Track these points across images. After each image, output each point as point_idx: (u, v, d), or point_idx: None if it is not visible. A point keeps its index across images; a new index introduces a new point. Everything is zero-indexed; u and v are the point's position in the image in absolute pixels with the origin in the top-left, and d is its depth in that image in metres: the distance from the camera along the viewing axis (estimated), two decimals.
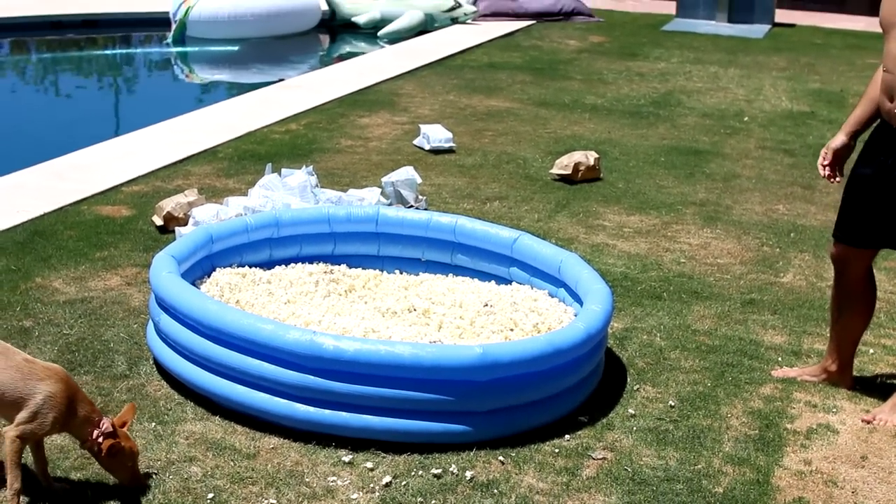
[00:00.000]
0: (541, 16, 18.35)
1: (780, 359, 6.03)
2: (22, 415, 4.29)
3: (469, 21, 17.61)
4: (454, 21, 17.44)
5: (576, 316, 5.63)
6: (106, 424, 4.36)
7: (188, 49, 16.17)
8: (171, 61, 16.52)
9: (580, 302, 5.74)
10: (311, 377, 4.90)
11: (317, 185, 7.67)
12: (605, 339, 5.60)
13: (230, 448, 4.84)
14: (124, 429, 4.44)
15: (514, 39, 16.53)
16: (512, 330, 5.71)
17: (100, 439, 4.35)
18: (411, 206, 7.82)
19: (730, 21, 18.36)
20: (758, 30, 17.94)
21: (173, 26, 16.16)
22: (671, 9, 19.21)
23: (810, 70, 14.80)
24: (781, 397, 5.61)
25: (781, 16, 18.84)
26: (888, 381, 5.86)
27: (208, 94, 14.13)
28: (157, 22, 17.13)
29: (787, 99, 12.83)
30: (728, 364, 5.95)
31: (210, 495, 4.48)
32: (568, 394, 5.26)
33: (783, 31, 18.17)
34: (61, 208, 7.90)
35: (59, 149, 9.42)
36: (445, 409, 4.91)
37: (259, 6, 16.43)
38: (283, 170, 7.74)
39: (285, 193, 7.42)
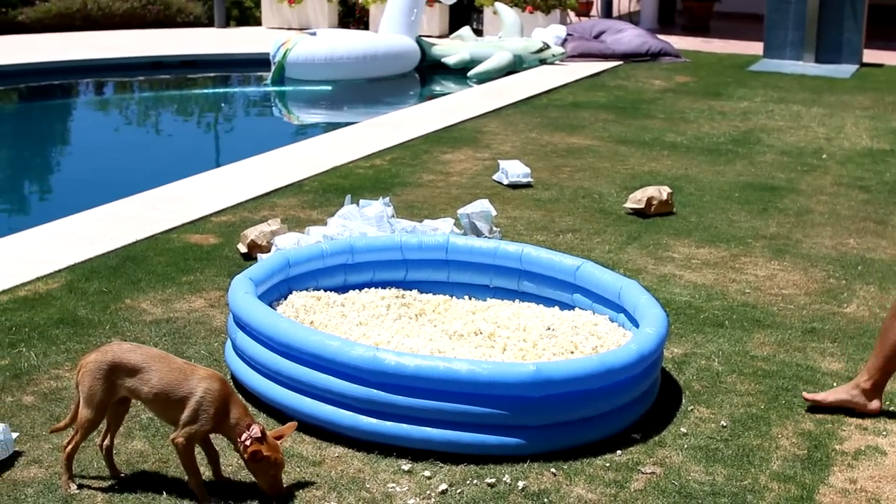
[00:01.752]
0: (628, 57, 18.58)
1: (835, 384, 6.19)
2: (185, 415, 4.68)
3: (557, 62, 17.90)
4: (542, 62, 17.73)
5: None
6: (256, 430, 4.69)
7: (284, 89, 16.65)
8: (267, 100, 17.03)
9: (638, 326, 5.96)
10: (375, 391, 5.20)
11: (393, 216, 7.99)
12: (658, 360, 5.82)
13: (297, 456, 5.14)
14: (279, 441, 4.77)
15: (600, 79, 16.79)
16: (572, 353, 5.96)
17: (247, 442, 4.68)
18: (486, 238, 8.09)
19: (817, 61, 18.42)
20: (845, 70, 17.99)
21: (272, 68, 16.66)
22: (759, 49, 19.32)
23: (894, 109, 14.84)
24: (833, 420, 5.78)
25: (869, 56, 18.86)
26: None
27: (300, 132, 14.58)
28: (253, 62, 17.69)
29: (867, 137, 12.93)
30: (783, 388, 6.13)
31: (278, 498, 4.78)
32: (620, 412, 5.49)
33: (871, 70, 18.20)
34: (153, 236, 8.31)
35: (155, 181, 9.86)
36: (500, 422, 5.18)
37: (355, 49, 16.86)
38: (361, 201, 8.07)
39: (362, 223, 7.75)
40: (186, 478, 4.81)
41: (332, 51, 16.68)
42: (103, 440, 4.91)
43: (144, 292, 7.18)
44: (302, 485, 4.91)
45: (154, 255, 7.90)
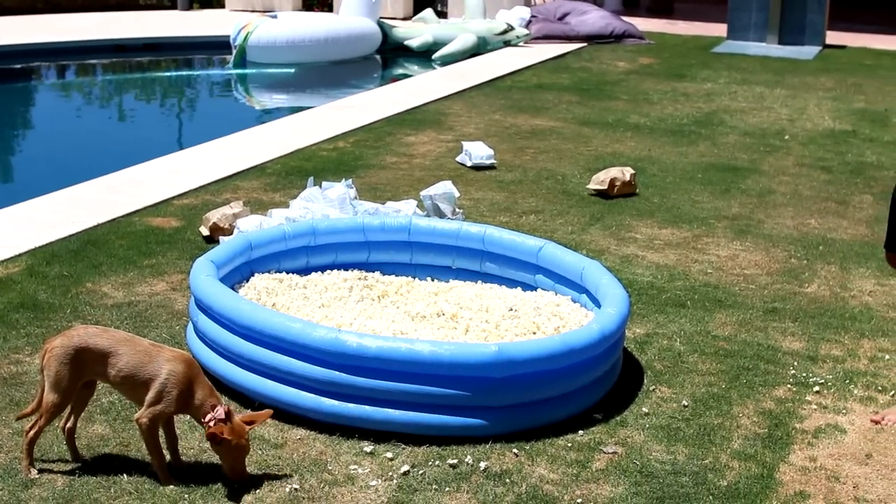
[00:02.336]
0: (592, 38, 18.60)
1: (795, 363, 6.23)
2: (149, 395, 4.67)
3: (521, 44, 17.90)
4: (506, 44, 17.73)
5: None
6: (220, 411, 4.68)
7: (246, 71, 16.58)
8: (229, 83, 16.95)
9: (600, 307, 5.97)
10: (337, 373, 5.19)
11: (355, 198, 7.98)
12: (620, 340, 5.84)
13: (259, 438, 5.13)
14: (250, 427, 4.74)
15: (564, 61, 16.80)
16: (535, 333, 5.97)
17: (210, 423, 4.66)
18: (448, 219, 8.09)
19: (780, 43, 18.51)
20: (808, 51, 18.07)
21: (234, 51, 16.58)
22: (723, 31, 19.38)
23: (857, 90, 14.93)
24: (794, 399, 5.82)
25: (832, 37, 18.96)
26: None
27: (263, 115, 14.51)
28: (216, 45, 17.60)
29: (829, 118, 12.99)
30: (744, 368, 6.16)
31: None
32: (582, 392, 5.50)
33: (833, 52, 18.29)
34: (114, 219, 8.27)
35: (117, 164, 9.80)
36: (463, 403, 5.18)
37: (316, 32, 16.80)
38: (324, 183, 8.05)
39: (325, 205, 7.73)
40: (149, 459, 4.79)
41: (294, 33, 16.62)
42: (66, 423, 4.89)
43: (106, 276, 7.14)
44: (264, 467, 4.90)
45: (115, 238, 7.86)
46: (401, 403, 5.17)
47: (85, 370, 4.73)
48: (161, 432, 4.80)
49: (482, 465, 4.99)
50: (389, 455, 5.04)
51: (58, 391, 4.70)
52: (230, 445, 4.69)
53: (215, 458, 4.90)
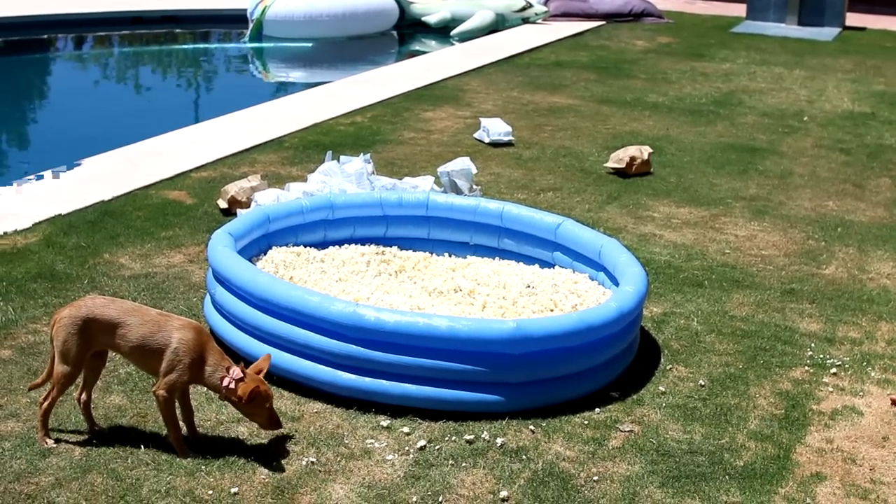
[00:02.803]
0: (611, 16, 18.54)
1: (813, 345, 6.22)
2: (163, 366, 4.68)
3: (540, 21, 17.84)
4: (525, 21, 17.67)
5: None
6: (236, 371, 4.71)
7: (263, 45, 16.55)
8: (247, 57, 16.92)
9: (618, 285, 5.96)
10: (354, 346, 5.19)
11: (373, 173, 7.97)
12: (638, 319, 5.82)
13: (276, 410, 5.12)
14: (260, 375, 4.76)
15: (583, 39, 16.74)
16: (552, 310, 5.96)
17: (231, 385, 4.68)
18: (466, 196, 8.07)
19: (800, 24, 18.42)
20: (827, 33, 17.98)
21: (250, 25, 16.53)
22: (742, 11, 19.30)
23: (876, 73, 14.86)
24: (811, 380, 5.80)
25: (852, 19, 18.86)
26: None
27: (280, 89, 14.50)
28: (235, 18, 17.55)
29: (848, 100, 12.93)
30: (761, 348, 6.14)
31: (255, 453, 4.77)
32: (599, 370, 5.49)
33: (853, 34, 18.20)
34: (132, 191, 8.27)
35: (135, 137, 9.80)
36: (480, 379, 5.17)
37: (334, 7, 16.74)
38: (342, 157, 8.03)
39: (342, 179, 7.72)
40: (165, 432, 4.80)
41: (311, 8, 16.56)
42: (80, 394, 4.90)
43: (123, 247, 7.14)
44: (281, 440, 4.91)
45: (133, 210, 7.86)
46: (418, 378, 5.17)
47: (93, 341, 4.74)
48: (177, 405, 4.81)
49: (499, 441, 4.99)
50: (406, 430, 5.04)
51: (67, 361, 4.72)
52: (262, 397, 4.70)
53: (231, 431, 4.92)
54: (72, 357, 4.71)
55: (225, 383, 4.69)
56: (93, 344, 4.74)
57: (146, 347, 4.69)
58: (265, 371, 4.81)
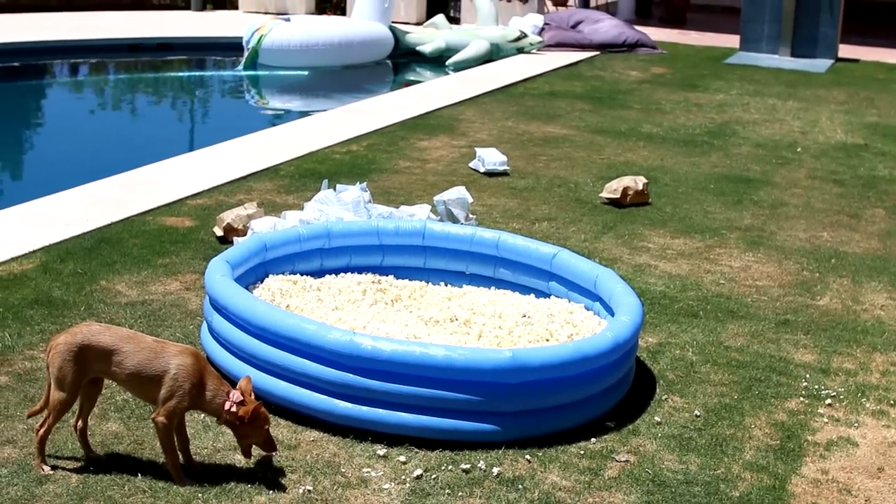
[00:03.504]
0: (605, 47, 18.60)
1: (807, 375, 6.24)
2: (162, 393, 4.69)
3: (534, 51, 17.91)
4: (520, 51, 17.74)
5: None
6: (236, 395, 4.74)
7: (259, 73, 16.59)
8: (242, 85, 16.96)
9: (614, 315, 5.98)
10: (351, 375, 5.20)
11: (370, 201, 7.99)
12: (633, 349, 5.84)
13: (273, 437, 5.14)
14: (250, 397, 4.79)
15: (577, 69, 16.81)
16: (548, 340, 5.98)
17: (233, 409, 4.71)
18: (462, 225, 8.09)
19: (793, 55, 18.50)
20: (820, 64, 18.07)
21: (246, 53, 16.56)
22: (735, 42, 19.38)
23: (869, 104, 14.93)
24: (806, 411, 5.82)
25: (845, 51, 18.94)
26: None
27: (275, 117, 14.54)
28: (230, 46, 17.61)
29: (842, 131, 13.00)
30: (756, 379, 6.16)
31: (252, 481, 4.78)
32: (595, 399, 5.51)
33: (846, 65, 18.28)
34: (128, 218, 8.28)
35: (131, 163, 9.82)
36: (476, 408, 5.19)
37: (330, 36, 16.79)
38: (338, 186, 8.06)
39: (339, 208, 7.74)
40: (162, 459, 4.80)
41: (308, 37, 16.61)
42: (77, 421, 4.90)
43: (120, 274, 7.15)
44: (277, 468, 4.91)
45: (129, 237, 7.87)
46: (414, 407, 5.18)
47: (89, 368, 4.75)
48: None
49: (495, 470, 5.00)
50: (402, 459, 5.05)
51: (63, 388, 4.72)
52: (261, 419, 4.74)
53: (227, 459, 4.92)
54: (68, 384, 4.71)
55: (227, 407, 4.70)
56: (88, 371, 4.75)
57: (143, 374, 4.70)
58: (250, 393, 4.83)
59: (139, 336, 4.84)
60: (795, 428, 5.63)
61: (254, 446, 4.85)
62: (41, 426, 4.79)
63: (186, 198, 8.90)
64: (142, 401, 5.11)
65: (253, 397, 4.80)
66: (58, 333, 4.97)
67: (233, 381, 5.39)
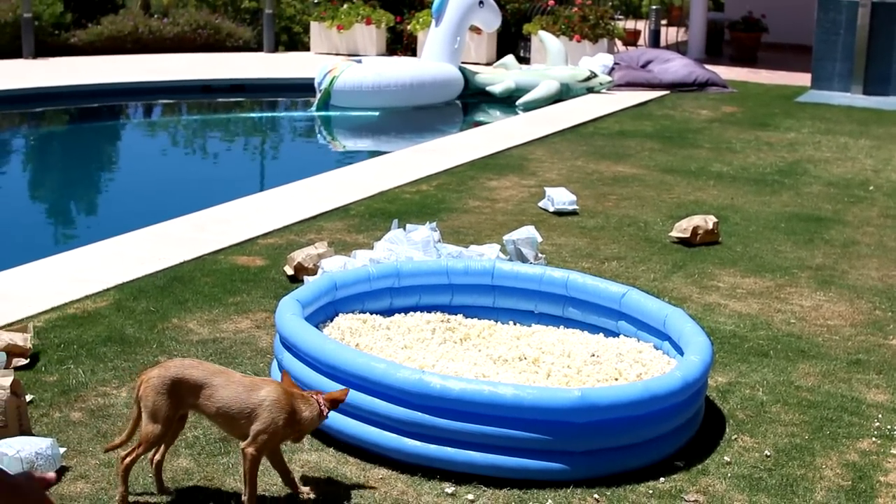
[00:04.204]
0: (675, 86, 18.60)
1: (880, 416, 6.17)
2: (255, 426, 4.75)
3: (604, 90, 17.93)
4: (590, 90, 17.77)
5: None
6: (320, 397, 4.89)
7: (330, 114, 16.74)
8: (313, 126, 17.14)
9: (683, 354, 5.96)
10: (420, 413, 5.22)
11: (439, 241, 8.03)
12: (703, 388, 5.82)
13: (342, 476, 5.18)
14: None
15: (647, 108, 16.81)
16: (616, 379, 5.97)
17: (325, 410, 4.89)
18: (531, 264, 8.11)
19: (865, 93, 18.39)
20: (893, 102, 17.93)
21: (318, 94, 16.72)
22: (806, 80, 19.29)
23: None
24: (878, 451, 5.76)
25: None
26: None
27: (345, 158, 14.66)
28: (301, 87, 17.80)
29: None
30: (827, 419, 6.11)
31: None
32: (664, 439, 5.49)
33: None
34: (200, 257, 8.39)
35: (204, 203, 9.96)
36: (544, 447, 5.19)
37: (401, 77, 16.92)
38: (408, 225, 8.11)
39: (409, 247, 7.78)
40: (242, 491, 4.83)
41: (380, 78, 16.75)
42: (155, 455, 4.96)
43: (191, 312, 7.24)
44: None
45: (201, 275, 7.97)
46: (483, 446, 5.19)
47: (182, 402, 4.81)
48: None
49: None
50: (471, 497, 5.06)
51: (156, 420, 4.77)
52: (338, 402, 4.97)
53: (301, 494, 4.95)
54: (162, 417, 4.76)
55: (324, 412, 4.88)
56: (181, 405, 4.81)
57: (233, 409, 4.75)
58: (340, 402, 4.99)
59: (229, 371, 4.92)
60: (867, 468, 5.57)
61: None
62: (127, 455, 4.83)
63: (258, 237, 9.00)
64: (217, 437, 5.17)
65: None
66: (149, 368, 5.04)
67: None
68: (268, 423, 4.73)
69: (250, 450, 4.73)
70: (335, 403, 4.91)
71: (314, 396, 4.87)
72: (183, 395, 4.79)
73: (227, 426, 4.86)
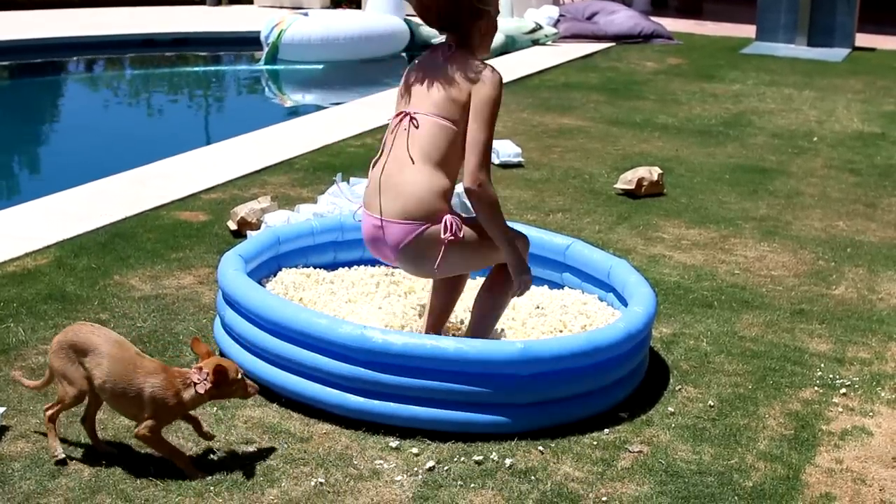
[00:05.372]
0: (620, 38, 18.58)
1: (822, 365, 6.21)
2: (142, 413, 4.68)
3: (549, 43, 17.88)
4: (535, 43, 17.72)
5: None
6: (198, 373, 4.71)
7: (276, 68, 16.58)
8: (257, 79, 16.98)
9: (627, 305, 5.96)
10: (362, 369, 5.19)
11: None
12: (647, 339, 5.82)
13: (285, 432, 5.15)
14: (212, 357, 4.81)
15: (592, 61, 16.78)
16: (561, 331, 5.97)
17: (197, 379, 4.69)
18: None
19: (809, 45, 18.45)
20: (837, 53, 18.01)
21: (265, 49, 16.54)
22: (751, 32, 19.33)
23: (886, 93, 14.87)
24: (820, 400, 5.80)
25: (862, 40, 18.87)
26: None
27: (290, 111, 14.55)
28: (246, 41, 17.64)
29: (858, 120, 12.95)
30: (771, 369, 6.14)
31: (264, 473, 4.78)
32: (608, 390, 5.49)
33: (863, 55, 18.21)
34: (142, 213, 8.30)
35: (145, 158, 9.84)
36: (488, 401, 5.18)
37: (350, 29, 16.79)
38: (352, 179, 8.06)
39: (353, 201, 7.73)
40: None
41: (328, 31, 16.60)
42: (85, 413, 4.91)
43: (133, 269, 7.17)
44: (289, 460, 4.91)
45: (143, 231, 7.89)
46: (426, 400, 5.17)
47: (82, 364, 4.74)
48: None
49: (507, 462, 4.99)
50: (415, 451, 5.05)
51: (66, 381, 4.77)
52: (230, 370, 4.75)
53: (239, 450, 4.92)
54: (69, 378, 4.76)
55: (196, 380, 4.70)
56: (83, 367, 4.75)
57: (117, 385, 4.69)
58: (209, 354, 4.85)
59: (126, 345, 4.81)
60: (810, 417, 5.61)
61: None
62: (49, 407, 4.85)
63: (200, 192, 8.91)
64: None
65: (211, 358, 4.80)
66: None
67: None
68: (152, 410, 4.66)
69: (143, 432, 4.69)
70: (220, 376, 4.71)
71: (191, 375, 4.72)
72: (77, 359, 4.74)
73: (112, 402, 4.77)
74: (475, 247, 5.50)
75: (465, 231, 5.46)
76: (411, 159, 5.43)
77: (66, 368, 4.75)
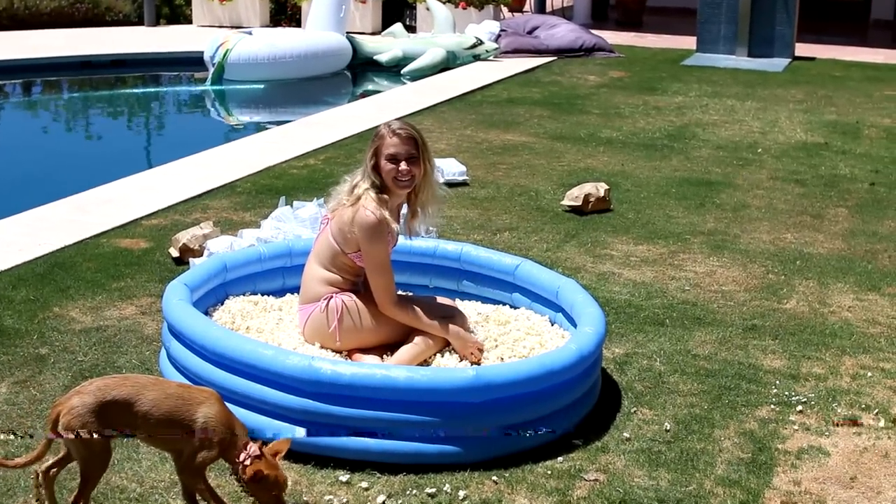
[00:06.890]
0: (562, 52, 18.55)
1: (777, 382, 6.15)
2: (189, 447, 4.37)
3: (491, 58, 17.82)
4: (476, 58, 17.66)
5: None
6: (253, 448, 4.43)
7: (220, 88, 16.38)
8: (198, 100, 16.79)
9: (576, 326, 5.87)
10: (311, 401, 5.06)
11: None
12: (598, 361, 5.74)
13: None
14: (276, 458, 4.47)
15: (535, 75, 16.74)
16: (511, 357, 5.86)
17: (246, 462, 4.41)
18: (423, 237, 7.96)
19: (750, 55, 18.50)
20: (777, 63, 18.07)
21: (211, 69, 16.31)
22: (692, 44, 19.36)
23: (827, 102, 14.92)
24: (777, 419, 5.73)
25: (801, 49, 18.96)
26: (885, 404, 5.95)
27: (232, 132, 14.39)
28: (185, 61, 17.45)
29: (801, 131, 12.96)
30: (725, 387, 6.07)
31: None
32: (561, 415, 5.39)
33: (803, 64, 18.29)
34: (82, 241, 8.12)
35: (85, 184, 9.65)
36: (440, 430, 5.06)
37: (295, 47, 16.63)
38: (296, 202, 7.92)
39: (297, 225, 7.61)
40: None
41: (273, 49, 16.44)
42: (52, 467, 4.50)
43: (73, 300, 6.99)
44: (235, 498, 4.77)
45: (83, 260, 7.71)
46: (377, 431, 5.05)
47: (115, 425, 4.32)
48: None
49: (461, 493, 4.87)
50: (365, 484, 4.92)
51: (94, 451, 4.29)
52: (269, 481, 4.42)
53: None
54: (99, 447, 4.30)
55: (241, 459, 4.41)
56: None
57: (168, 423, 4.39)
58: (282, 453, 4.52)
59: (162, 381, 4.56)
60: (766, 438, 5.53)
61: None
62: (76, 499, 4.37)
63: (141, 218, 8.74)
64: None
65: (278, 459, 4.49)
66: (64, 396, 4.46)
67: None
68: (202, 441, 4.38)
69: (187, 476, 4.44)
70: (259, 479, 4.40)
71: (248, 441, 4.46)
72: (113, 419, 4.31)
73: (164, 444, 4.49)
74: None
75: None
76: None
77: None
